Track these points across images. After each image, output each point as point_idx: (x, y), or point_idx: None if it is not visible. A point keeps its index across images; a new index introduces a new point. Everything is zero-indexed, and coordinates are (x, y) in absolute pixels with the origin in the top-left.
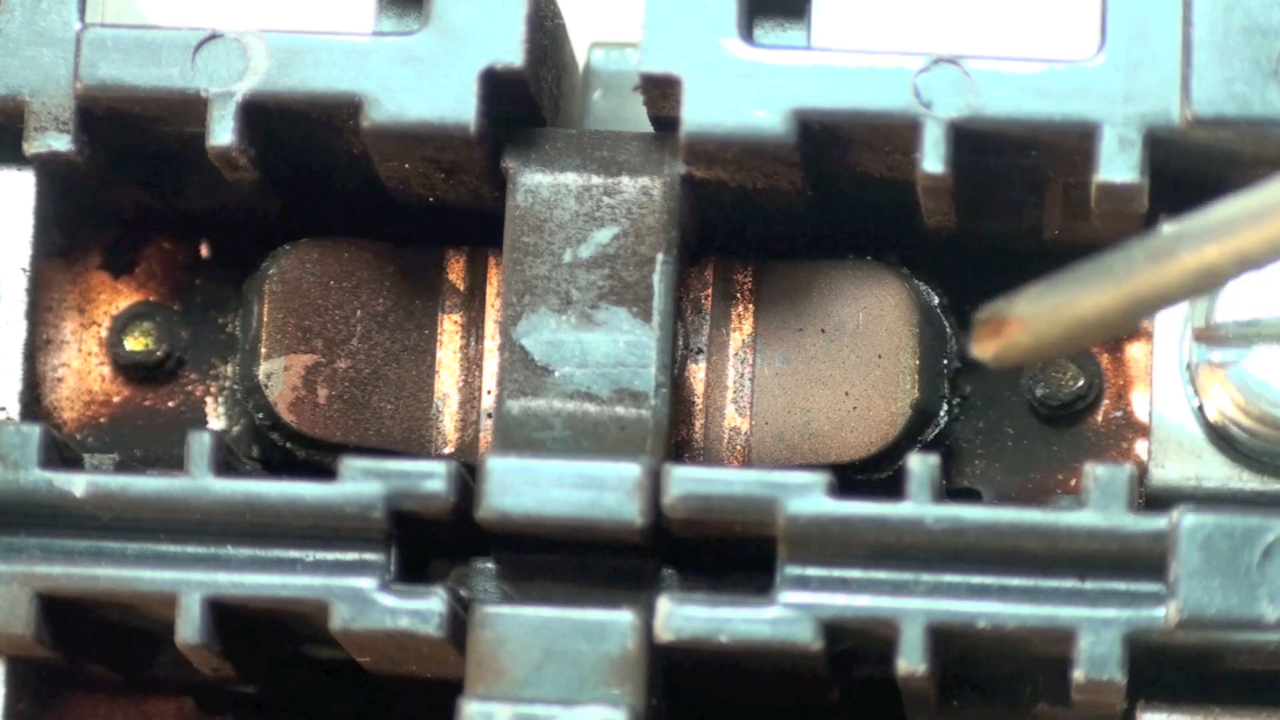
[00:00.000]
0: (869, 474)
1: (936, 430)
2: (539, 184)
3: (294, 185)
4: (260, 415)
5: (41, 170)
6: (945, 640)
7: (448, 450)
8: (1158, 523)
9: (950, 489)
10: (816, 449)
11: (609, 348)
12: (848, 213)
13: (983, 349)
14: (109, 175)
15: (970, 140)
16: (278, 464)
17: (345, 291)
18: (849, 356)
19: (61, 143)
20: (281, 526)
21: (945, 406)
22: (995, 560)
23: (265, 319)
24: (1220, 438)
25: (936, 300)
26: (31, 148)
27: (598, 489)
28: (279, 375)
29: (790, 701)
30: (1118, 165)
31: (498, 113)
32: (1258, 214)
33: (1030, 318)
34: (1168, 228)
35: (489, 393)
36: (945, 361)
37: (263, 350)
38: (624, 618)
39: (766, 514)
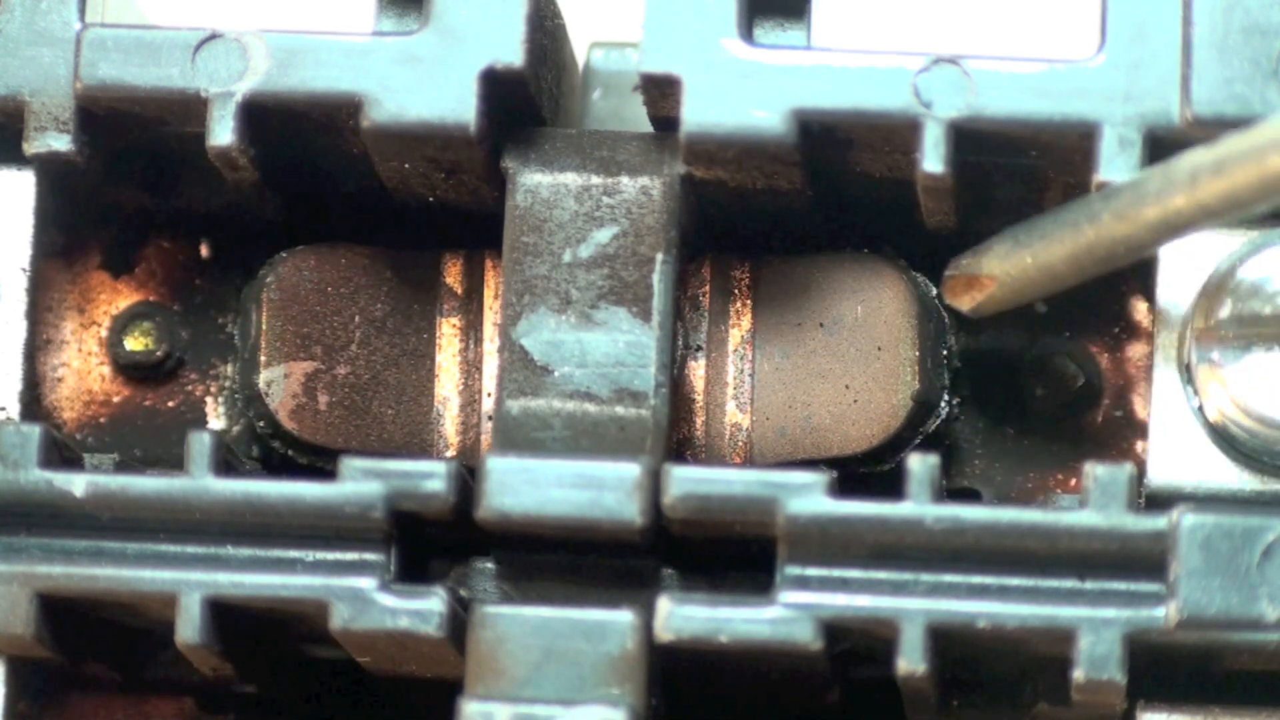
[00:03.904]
0: (871, 466)
1: (938, 421)
2: (539, 184)
3: (294, 185)
4: (261, 424)
5: (41, 170)
6: (945, 640)
7: (449, 454)
8: (1158, 523)
9: (950, 489)
10: (818, 443)
11: (609, 347)
12: (848, 212)
13: (959, 302)
14: (109, 175)
15: (970, 140)
16: (278, 464)
17: (343, 297)
18: (848, 350)
19: (61, 143)
20: (281, 526)
21: (946, 397)
22: (995, 560)
23: (264, 327)
24: (1220, 438)
25: (935, 291)
26: (31, 148)
27: (598, 489)
28: (279, 383)
29: (790, 701)
30: (1118, 165)
31: (498, 113)
32: (1222, 165)
33: (1002, 275)
34: (1127, 181)
35: (489, 395)
36: (945, 352)
37: (262, 358)
38: (624, 618)
39: (766, 514)
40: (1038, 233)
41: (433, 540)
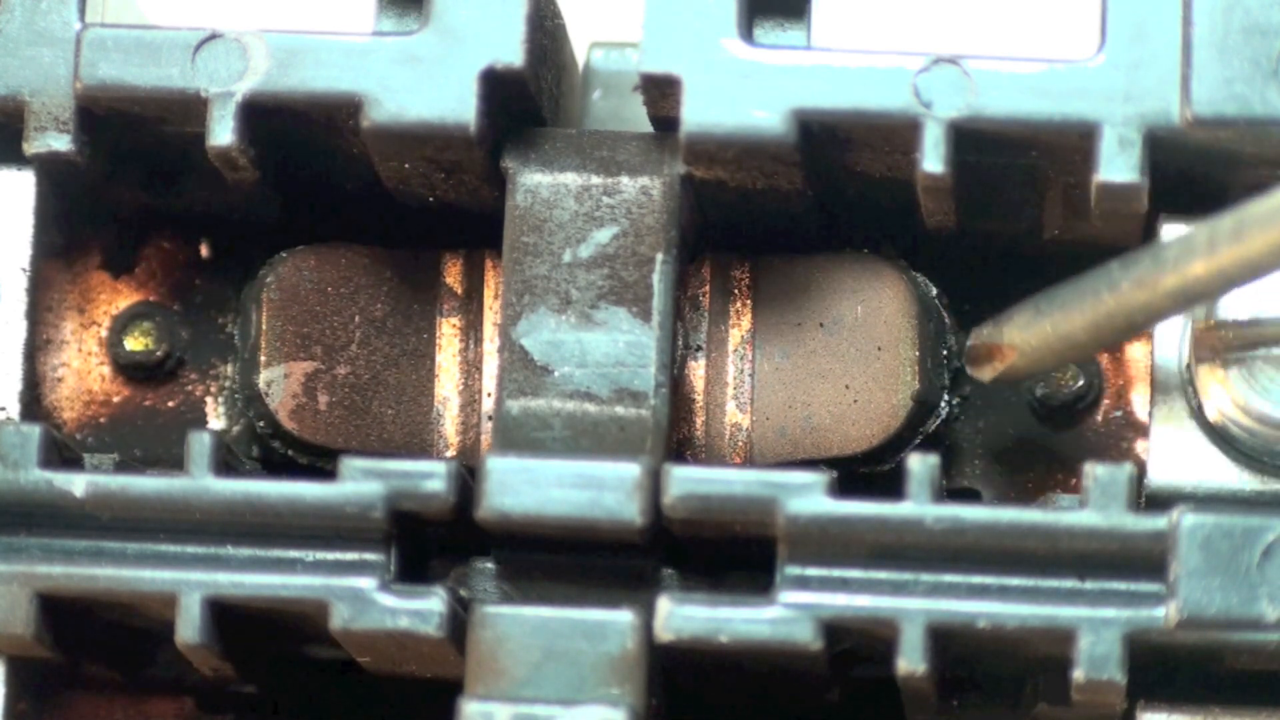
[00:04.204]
0: (871, 466)
1: (938, 421)
2: (539, 184)
3: (294, 185)
4: (261, 424)
5: (41, 170)
6: (945, 640)
7: (449, 454)
8: (1158, 523)
9: (950, 489)
10: (818, 443)
11: (609, 347)
12: (848, 212)
13: (980, 372)
14: (109, 175)
15: (970, 140)
16: (278, 464)
17: (343, 297)
18: (848, 350)
19: (61, 143)
20: (281, 526)
21: (946, 397)
22: (995, 560)
23: (264, 327)
24: (1220, 438)
25: (935, 291)
26: (31, 148)
27: (598, 489)
28: (279, 383)
29: (790, 701)
30: (1118, 165)
31: (498, 113)
32: (1241, 231)
33: (1023, 345)
34: (1145, 249)
35: (489, 395)
36: (945, 352)
37: (262, 358)
38: (624, 618)
39: (766, 514)
40: (1058, 302)
41: (433, 540)
